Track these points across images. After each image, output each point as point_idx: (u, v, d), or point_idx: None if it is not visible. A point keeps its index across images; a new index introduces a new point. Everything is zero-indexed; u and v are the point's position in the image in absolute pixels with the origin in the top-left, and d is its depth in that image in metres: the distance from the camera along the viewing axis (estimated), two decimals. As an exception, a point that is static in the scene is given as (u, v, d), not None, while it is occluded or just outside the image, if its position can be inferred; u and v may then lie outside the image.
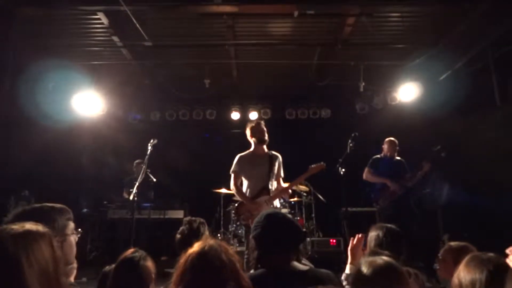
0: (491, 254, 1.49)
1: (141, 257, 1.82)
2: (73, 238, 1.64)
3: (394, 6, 5.16)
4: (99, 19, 5.37)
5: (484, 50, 5.71)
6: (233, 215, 6.50)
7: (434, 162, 4.83)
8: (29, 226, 1.18)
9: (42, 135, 6.71)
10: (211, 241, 1.29)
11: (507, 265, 1.44)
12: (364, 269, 1.43)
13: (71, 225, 1.64)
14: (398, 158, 5.17)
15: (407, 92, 6.62)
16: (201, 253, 1.22)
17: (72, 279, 1.68)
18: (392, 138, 5.23)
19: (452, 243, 2.23)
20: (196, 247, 1.26)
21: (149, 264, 1.84)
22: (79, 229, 1.69)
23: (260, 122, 4.18)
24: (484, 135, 6.18)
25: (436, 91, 6.43)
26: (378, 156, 5.17)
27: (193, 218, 2.58)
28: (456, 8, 5.22)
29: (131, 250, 1.88)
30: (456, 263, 2.09)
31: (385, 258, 1.49)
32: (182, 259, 1.24)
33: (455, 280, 1.44)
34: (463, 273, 1.42)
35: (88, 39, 6.06)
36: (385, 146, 5.23)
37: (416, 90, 6.54)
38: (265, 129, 4.14)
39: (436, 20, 5.65)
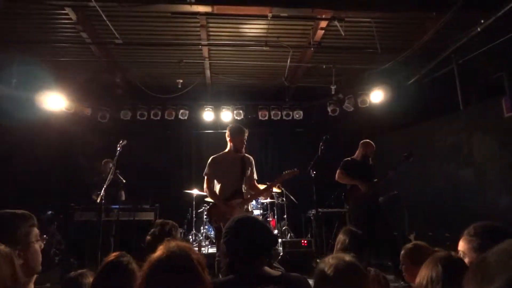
0: (445, 252, 1.56)
1: (128, 261, 1.74)
2: (38, 245, 1.56)
3: (365, 12, 5.29)
4: (66, 14, 5.18)
5: (449, 57, 5.96)
6: (205, 216, 6.46)
7: (401, 166, 4.94)
8: None
9: (4, 133, 6.39)
10: (174, 244, 1.24)
11: (458, 260, 1.51)
12: (326, 269, 1.45)
13: (35, 231, 1.55)
14: (371, 163, 5.24)
15: (377, 96, 6.80)
16: (165, 257, 1.18)
17: (32, 285, 1.61)
18: (369, 141, 5.26)
19: (406, 245, 2.32)
20: (159, 251, 1.22)
21: (135, 267, 1.76)
22: (44, 236, 1.60)
23: (244, 132, 4.05)
24: (448, 137, 6.46)
25: (404, 95, 6.64)
26: (349, 158, 5.24)
27: (166, 221, 2.53)
28: (423, 16, 5.42)
29: (115, 254, 1.79)
30: (415, 263, 2.18)
31: (346, 258, 1.51)
32: (146, 264, 1.21)
33: (416, 279, 1.50)
34: (422, 273, 1.48)
35: (55, 34, 5.83)
36: (363, 148, 5.20)
37: (385, 94, 6.73)
38: (246, 140, 4.07)
39: (405, 27, 5.85)
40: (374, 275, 2.05)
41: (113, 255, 1.76)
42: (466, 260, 1.65)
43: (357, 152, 5.25)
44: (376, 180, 4.98)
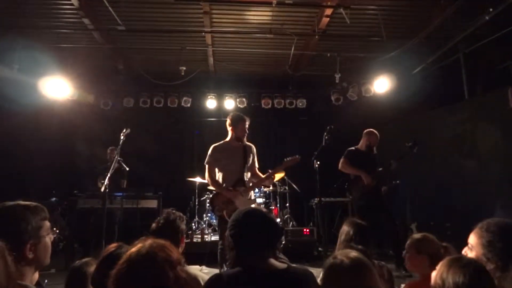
0: (469, 258, 1.58)
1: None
2: (49, 239, 1.57)
3: (371, -1, 5.21)
4: (68, 0, 5.12)
5: (455, 46, 5.87)
6: (207, 205, 6.49)
7: (405, 156, 4.92)
8: None
9: (6, 120, 6.40)
10: (148, 244, 1.24)
11: (484, 268, 1.51)
12: (335, 265, 1.46)
13: (47, 225, 1.56)
14: (375, 152, 5.17)
15: (381, 85, 6.74)
16: (140, 255, 1.19)
17: (36, 274, 1.62)
18: (374, 130, 5.18)
19: (414, 235, 2.33)
20: (133, 249, 1.23)
21: None
22: (54, 228, 1.61)
23: (245, 120, 4.00)
24: (453, 127, 6.42)
25: (409, 84, 6.58)
26: (353, 148, 5.19)
27: (173, 211, 2.53)
28: (430, 4, 5.33)
29: (114, 244, 1.80)
30: (419, 252, 2.19)
31: (354, 253, 1.52)
32: (121, 260, 1.22)
33: (438, 281, 1.49)
34: (445, 274, 1.46)
35: (57, 20, 5.78)
36: (367, 137, 5.14)
37: (390, 83, 6.67)
38: (247, 128, 4.02)
39: (411, 15, 5.76)
40: (378, 268, 2.06)
41: (112, 247, 1.77)
42: (473, 254, 1.65)
43: (361, 141, 5.20)
44: (381, 169, 4.95)
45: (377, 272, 1.86)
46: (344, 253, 1.52)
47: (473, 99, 6.18)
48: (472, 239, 1.70)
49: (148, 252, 1.19)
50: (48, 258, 1.57)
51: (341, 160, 5.07)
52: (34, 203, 1.55)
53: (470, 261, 1.48)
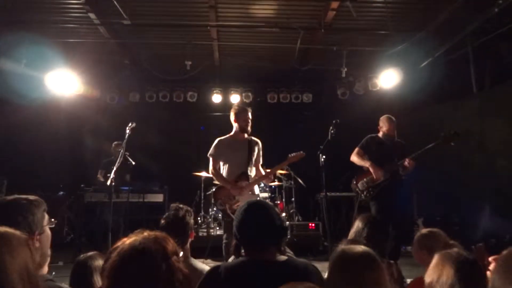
0: (456, 251, 1.53)
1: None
2: (48, 229, 1.64)
3: (378, -8, 5.14)
4: (74, -6, 5.13)
5: (464, 39, 5.78)
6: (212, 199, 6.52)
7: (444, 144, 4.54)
8: (7, 230, 1.16)
9: (14, 114, 6.47)
10: (146, 235, 1.26)
11: (472, 261, 1.47)
12: (341, 257, 1.45)
13: (46, 216, 1.63)
14: (398, 140, 4.80)
15: (388, 79, 6.67)
16: (132, 248, 1.20)
17: (46, 267, 1.67)
18: (390, 116, 4.80)
19: (422, 231, 2.32)
20: (128, 240, 1.25)
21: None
22: (53, 219, 1.66)
23: (247, 110, 4.03)
24: (461, 121, 6.34)
25: (416, 78, 6.50)
26: (373, 135, 4.79)
27: (181, 206, 2.54)
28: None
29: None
30: (422, 248, 2.19)
31: (362, 246, 1.52)
32: (114, 252, 1.23)
33: (426, 279, 1.48)
34: (432, 272, 1.46)
35: (63, 15, 5.79)
36: (385, 124, 4.73)
37: (397, 77, 6.59)
38: (250, 118, 4.02)
39: (419, 7, 5.66)
40: (387, 267, 2.05)
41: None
42: None
43: (381, 129, 4.83)
44: (399, 162, 4.53)
45: (386, 271, 1.85)
46: (353, 246, 1.52)
47: (482, 92, 6.09)
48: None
49: (140, 243, 1.21)
50: (49, 246, 1.64)
51: (355, 150, 4.74)
52: (33, 196, 1.61)
53: (460, 255, 1.46)
